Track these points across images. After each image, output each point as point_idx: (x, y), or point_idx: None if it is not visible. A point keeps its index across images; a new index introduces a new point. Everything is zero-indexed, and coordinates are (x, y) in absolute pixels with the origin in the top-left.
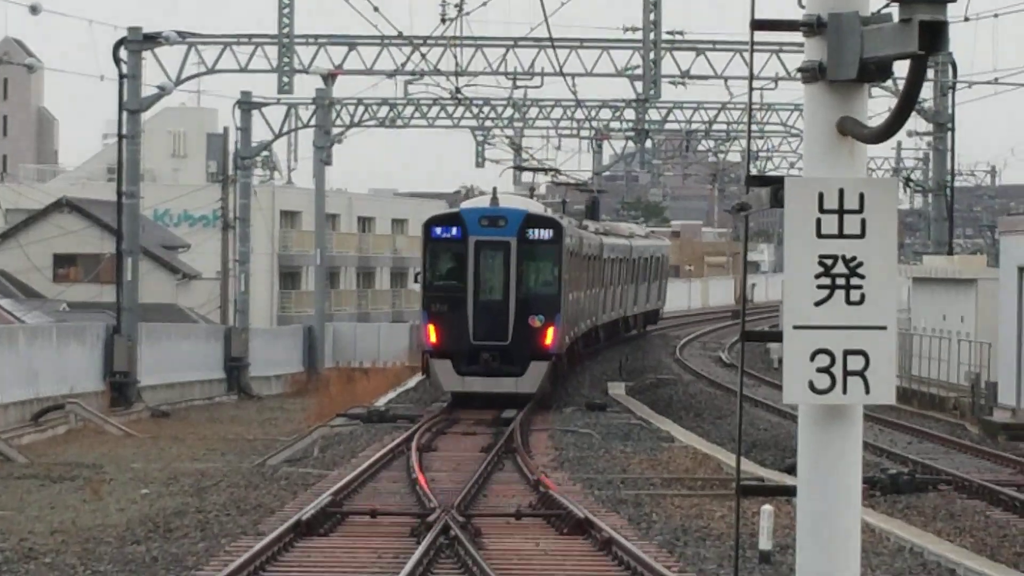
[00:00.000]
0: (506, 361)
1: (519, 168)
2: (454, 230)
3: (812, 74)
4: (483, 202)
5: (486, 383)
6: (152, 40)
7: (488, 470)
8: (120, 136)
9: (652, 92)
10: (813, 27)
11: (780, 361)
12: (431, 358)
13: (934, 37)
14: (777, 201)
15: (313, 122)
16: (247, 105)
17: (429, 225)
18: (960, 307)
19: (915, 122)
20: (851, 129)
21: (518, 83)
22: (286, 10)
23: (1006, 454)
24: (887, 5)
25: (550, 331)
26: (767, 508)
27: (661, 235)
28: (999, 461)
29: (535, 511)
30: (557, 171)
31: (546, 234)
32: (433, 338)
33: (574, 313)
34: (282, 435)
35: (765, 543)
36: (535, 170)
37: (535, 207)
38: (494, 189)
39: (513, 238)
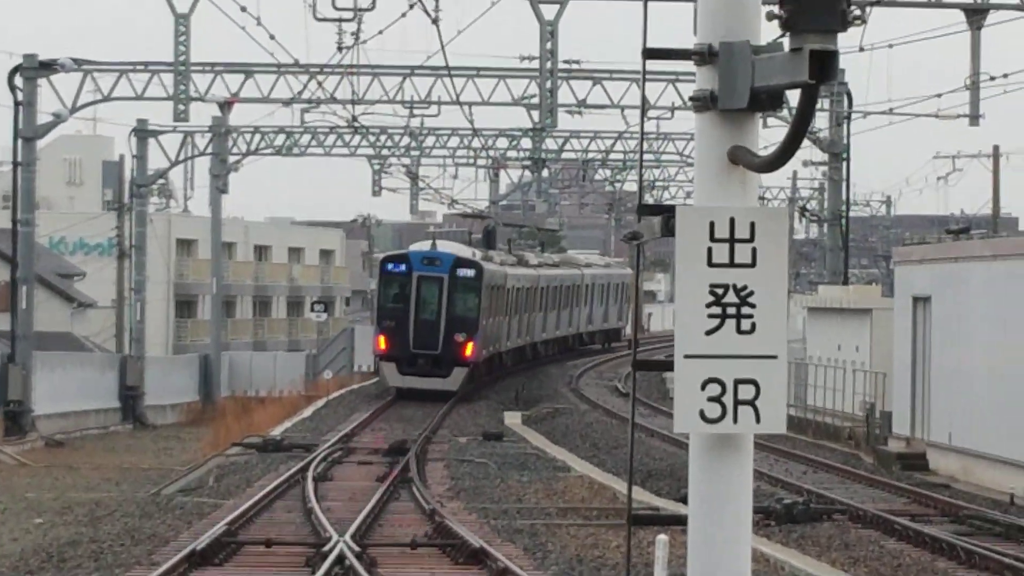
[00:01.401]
0: (436, 365)
1: (467, 211)
2: (402, 266)
3: (703, 103)
4: (426, 246)
5: (421, 381)
6: (48, 67)
7: (384, 499)
8: (15, 164)
9: (549, 121)
10: (705, 56)
11: None
12: (381, 361)
13: (824, 66)
14: (669, 230)
15: (210, 150)
16: (143, 133)
17: (384, 262)
18: (855, 337)
19: (811, 152)
20: (742, 158)
21: (415, 112)
22: (182, 38)
23: (900, 484)
24: (782, 35)
25: (470, 345)
26: (662, 538)
27: (623, 263)
28: (893, 491)
29: (431, 541)
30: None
31: (471, 273)
32: (383, 346)
33: (493, 332)
34: (177, 464)
35: (660, 573)
36: (472, 216)
37: (464, 252)
38: (433, 236)
39: (446, 275)
